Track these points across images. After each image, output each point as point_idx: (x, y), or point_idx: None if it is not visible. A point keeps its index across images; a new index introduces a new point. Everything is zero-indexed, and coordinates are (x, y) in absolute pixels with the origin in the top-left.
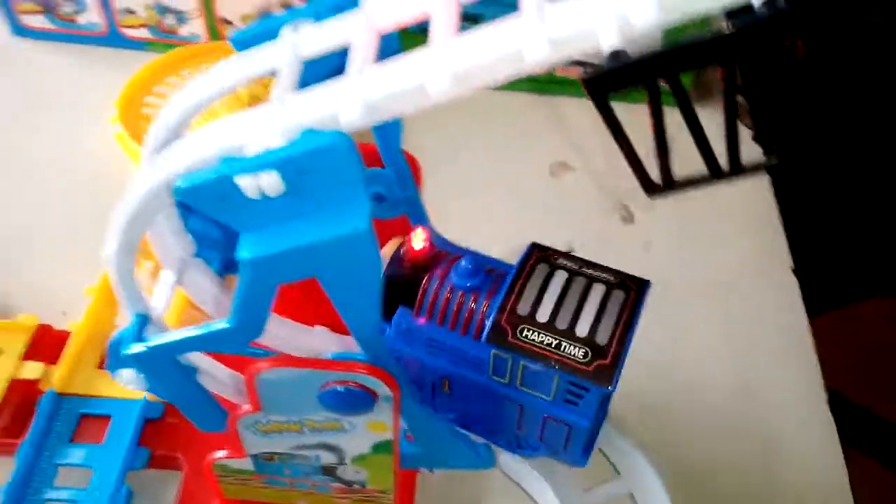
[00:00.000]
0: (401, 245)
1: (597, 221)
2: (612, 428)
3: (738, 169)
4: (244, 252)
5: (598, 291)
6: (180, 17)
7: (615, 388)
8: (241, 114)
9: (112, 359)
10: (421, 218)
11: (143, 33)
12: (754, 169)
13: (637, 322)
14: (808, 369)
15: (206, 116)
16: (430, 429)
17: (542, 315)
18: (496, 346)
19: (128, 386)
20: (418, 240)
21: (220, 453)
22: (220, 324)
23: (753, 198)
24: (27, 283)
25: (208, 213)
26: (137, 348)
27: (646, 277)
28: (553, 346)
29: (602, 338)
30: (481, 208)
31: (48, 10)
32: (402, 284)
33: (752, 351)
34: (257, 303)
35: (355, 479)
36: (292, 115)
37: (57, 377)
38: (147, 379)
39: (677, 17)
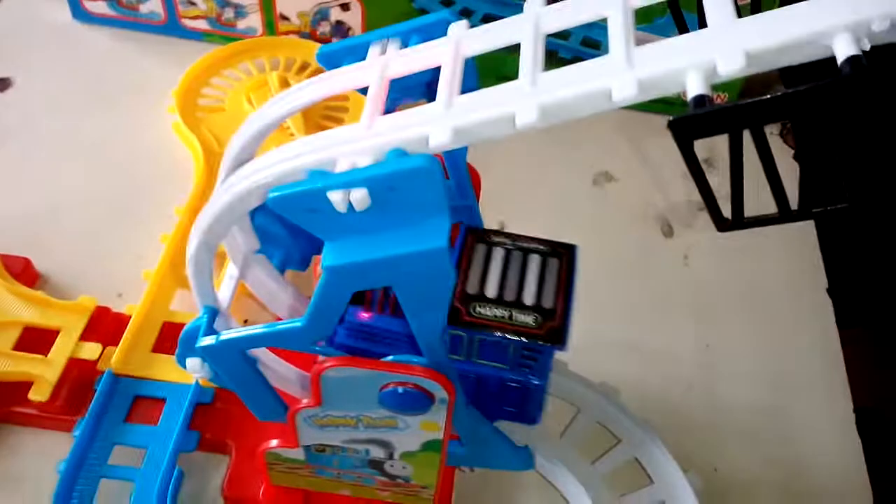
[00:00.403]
0: None
1: (637, 233)
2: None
3: (807, 212)
4: (328, 259)
5: (535, 261)
6: (239, 11)
7: (567, 346)
8: (331, 131)
9: (182, 349)
10: (477, 225)
11: (201, 24)
12: (823, 212)
13: (574, 282)
14: (840, 389)
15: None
16: (477, 430)
17: (491, 291)
18: (453, 326)
19: (195, 375)
20: None
21: (274, 442)
22: (292, 322)
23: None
24: (85, 265)
25: (296, 222)
26: (208, 341)
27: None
28: (506, 317)
29: (548, 302)
30: (523, 215)
31: None
32: None
33: (784, 368)
34: (332, 306)
35: (401, 474)
36: (382, 135)
37: (115, 358)
38: (214, 369)
39: (761, 68)
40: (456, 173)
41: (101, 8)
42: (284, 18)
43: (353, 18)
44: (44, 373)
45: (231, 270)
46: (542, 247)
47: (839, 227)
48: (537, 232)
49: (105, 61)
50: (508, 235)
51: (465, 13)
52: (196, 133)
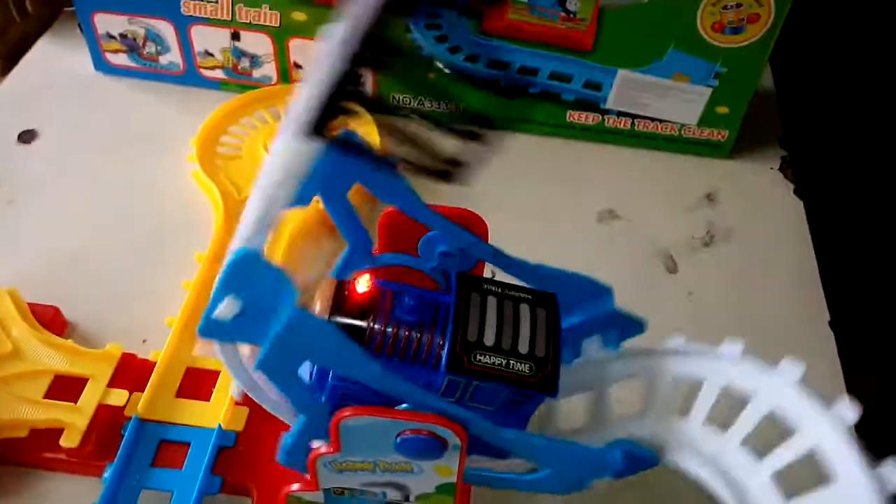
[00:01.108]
0: (341, 286)
1: (641, 269)
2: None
3: None
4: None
5: (525, 311)
6: (255, 60)
7: (557, 394)
8: None
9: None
10: (498, 260)
11: (218, 74)
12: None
13: (560, 331)
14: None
15: None
16: (551, 449)
17: (489, 339)
18: (456, 372)
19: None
20: (363, 284)
21: (295, 486)
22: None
23: (793, 252)
24: (111, 313)
25: None
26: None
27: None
28: (503, 365)
29: (540, 351)
30: (528, 251)
31: (132, 50)
32: (347, 326)
33: None
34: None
35: None
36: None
37: (141, 404)
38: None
39: None
40: (432, 222)
41: (123, 60)
42: (298, 67)
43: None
44: (74, 420)
45: None
46: (528, 296)
47: (841, 261)
48: None
49: (127, 111)
50: (497, 284)
51: (472, 60)
52: (215, 181)
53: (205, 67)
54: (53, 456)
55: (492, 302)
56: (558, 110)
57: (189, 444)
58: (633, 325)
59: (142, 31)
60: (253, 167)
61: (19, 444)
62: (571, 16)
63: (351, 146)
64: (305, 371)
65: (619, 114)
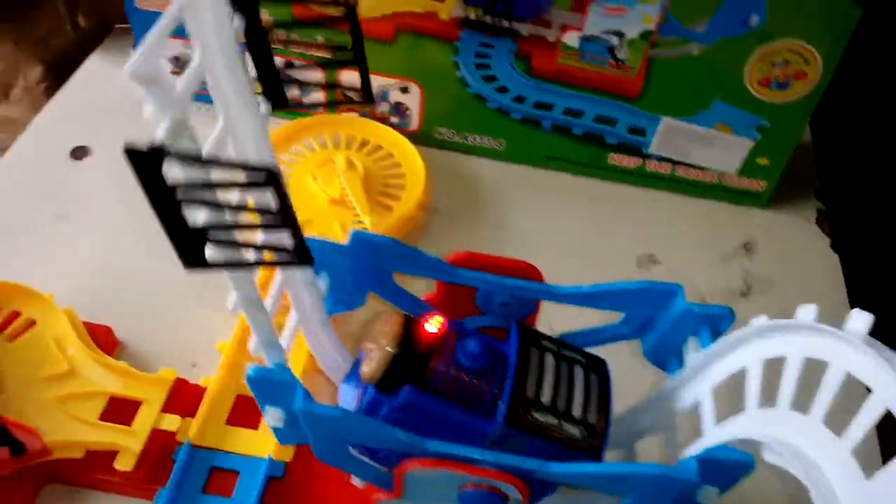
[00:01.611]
0: (411, 323)
1: None
2: None
3: None
4: None
5: (580, 375)
6: (305, 88)
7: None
8: None
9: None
10: (554, 295)
11: None
12: None
13: (611, 401)
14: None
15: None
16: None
17: (545, 397)
18: (513, 427)
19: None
20: (433, 325)
21: None
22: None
23: (829, 306)
24: (161, 335)
25: None
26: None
27: None
28: (557, 426)
29: (592, 418)
30: None
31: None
32: (412, 363)
33: None
34: None
35: None
36: None
37: (193, 430)
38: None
39: None
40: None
41: None
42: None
43: (412, 100)
44: (129, 443)
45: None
46: (582, 358)
47: (878, 317)
48: (589, 316)
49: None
50: (554, 342)
51: (519, 100)
52: None
53: (256, 92)
54: (107, 478)
55: (549, 361)
56: (600, 152)
57: (238, 473)
58: (720, 317)
59: None
60: (301, 196)
61: (74, 464)
62: (620, 63)
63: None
64: (350, 401)
65: (661, 159)
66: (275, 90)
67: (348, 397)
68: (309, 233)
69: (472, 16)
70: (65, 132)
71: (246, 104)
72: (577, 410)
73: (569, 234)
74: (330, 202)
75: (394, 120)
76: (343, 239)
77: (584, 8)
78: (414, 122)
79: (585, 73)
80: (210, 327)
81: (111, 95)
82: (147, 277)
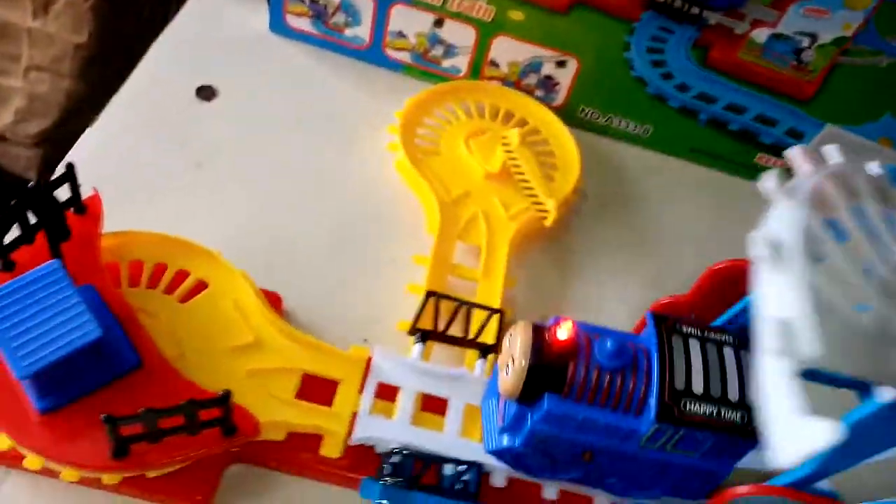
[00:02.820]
0: (541, 332)
1: None
2: None
3: None
4: None
5: (730, 355)
6: (451, 50)
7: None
8: None
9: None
10: None
11: (404, 56)
12: None
13: None
14: None
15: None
16: None
17: (697, 386)
18: (666, 422)
19: None
20: (564, 331)
21: None
22: None
23: None
24: (324, 304)
25: None
26: None
27: None
28: (714, 413)
29: (752, 398)
30: None
31: (318, 16)
32: (549, 371)
33: None
34: None
35: None
36: None
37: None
38: None
39: None
40: None
41: (305, 25)
42: (494, 64)
43: (565, 75)
44: (333, 426)
45: None
46: (728, 337)
47: None
48: None
49: (302, 79)
50: (695, 324)
51: (682, 88)
52: (424, 176)
53: (392, 48)
54: (307, 462)
55: (695, 346)
56: (750, 150)
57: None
58: None
59: (336, 0)
60: (452, 165)
61: (268, 446)
62: (802, 65)
63: None
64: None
65: None
66: None
67: (491, 415)
68: (468, 208)
69: None
70: (186, 68)
71: None
72: (733, 394)
73: (719, 233)
74: (486, 176)
75: (538, 93)
76: (505, 217)
77: (784, 6)
78: (559, 98)
79: (762, 71)
80: (375, 300)
81: (229, 32)
82: (296, 240)
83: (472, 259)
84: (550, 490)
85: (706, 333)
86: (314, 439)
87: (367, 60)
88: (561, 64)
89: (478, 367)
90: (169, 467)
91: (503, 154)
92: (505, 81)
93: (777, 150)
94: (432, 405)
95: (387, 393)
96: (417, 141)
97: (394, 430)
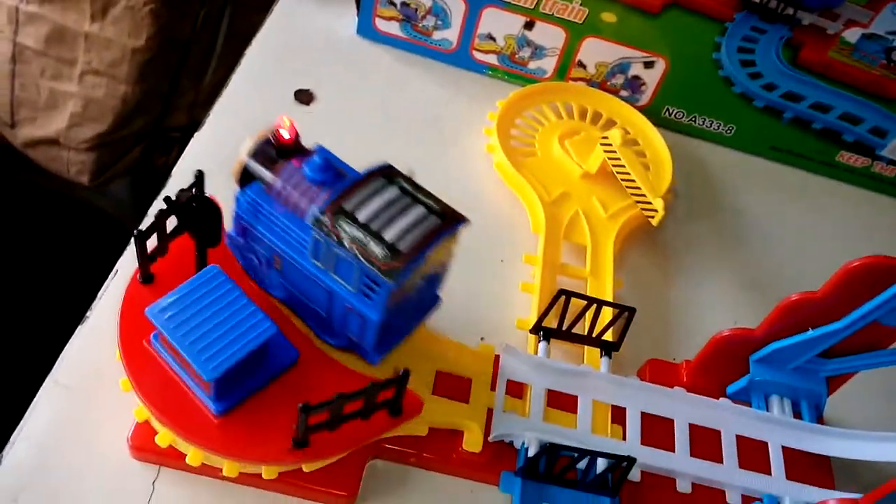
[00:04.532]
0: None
1: None
2: None
3: None
4: None
5: (416, 211)
6: (538, 51)
7: (399, 285)
8: None
9: None
10: None
11: (490, 59)
12: None
13: (439, 243)
14: None
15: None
16: None
17: (363, 215)
18: (318, 228)
19: None
20: (285, 130)
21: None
22: None
23: None
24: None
25: None
26: None
27: None
28: (360, 239)
29: (404, 246)
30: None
31: (407, 20)
32: (262, 163)
33: None
34: None
35: None
36: None
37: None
38: None
39: None
40: None
41: (392, 28)
42: (581, 65)
43: (652, 76)
44: (472, 423)
45: None
46: (435, 205)
47: None
48: None
49: (392, 82)
50: (414, 184)
51: (769, 87)
52: (524, 177)
53: (479, 50)
54: (448, 457)
55: (390, 190)
56: (832, 149)
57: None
58: None
59: (427, 3)
60: (550, 166)
61: (414, 442)
62: (892, 64)
63: None
64: None
65: (889, 162)
66: None
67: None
68: (569, 208)
69: None
70: (281, 74)
71: None
72: (390, 235)
73: (803, 229)
74: (582, 175)
75: (623, 93)
76: (604, 216)
77: (878, 6)
78: (645, 98)
79: (851, 70)
80: (490, 299)
81: (319, 36)
82: None
83: (574, 258)
84: (683, 483)
85: (419, 194)
86: (452, 435)
87: (452, 63)
88: (649, 65)
89: (603, 364)
90: (338, 456)
91: (602, 154)
92: (590, 82)
93: (859, 149)
94: (557, 401)
95: (514, 389)
96: (512, 142)
97: (530, 426)
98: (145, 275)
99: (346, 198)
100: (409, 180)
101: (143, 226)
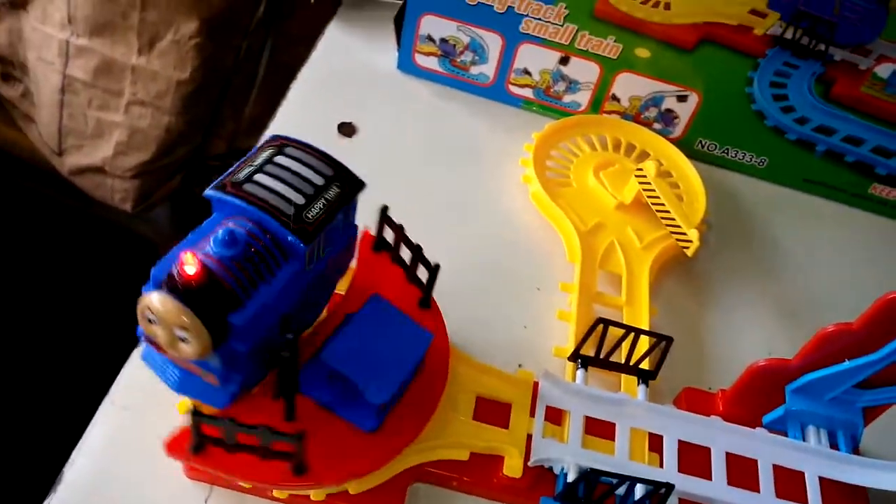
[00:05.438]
0: (171, 283)
1: None
2: None
3: None
4: None
5: (315, 179)
6: (573, 86)
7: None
8: None
9: None
10: None
11: (526, 92)
12: None
13: (342, 208)
14: None
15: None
16: None
17: (266, 181)
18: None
19: None
20: (190, 266)
21: None
22: None
23: None
24: (476, 329)
25: None
26: None
27: None
28: (266, 199)
29: (311, 214)
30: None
31: (446, 55)
32: (214, 305)
33: None
34: None
35: None
36: None
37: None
38: None
39: None
40: None
41: (432, 63)
42: (615, 99)
43: (685, 109)
44: (513, 447)
45: None
46: (330, 172)
47: None
48: None
49: (431, 115)
50: (308, 151)
51: (801, 121)
52: (561, 208)
53: (515, 84)
54: (489, 482)
55: (291, 164)
56: (864, 181)
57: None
58: None
59: (466, 40)
60: (585, 197)
61: (456, 466)
62: None
63: None
64: None
65: None
66: None
67: (189, 385)
68: (604, 238)
69: (789, 35)
70: (325, 107)
71: None
72: (298, 198)
73: (837, 260)
74: (617, 206)
75: (656, 126)
76: (639, 246)
77: None
78: (677, 131)
79: (884, 105)
80: (533, 327)
81: (361, 71)
82: (455, 271)
83: (610, 288)
84: None
85: (324, 164)
86: (492, 460)
87: (488, 97)
88: (682, 98)
89: (640, 392)
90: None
91: (636, 185)
92: (624, 115)
93: (892, 181)
94: (594, 428)
95: (553, 416)
96: (548, 174)
97: (570, 452)
98: None
99: (296, 147)
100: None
101: None
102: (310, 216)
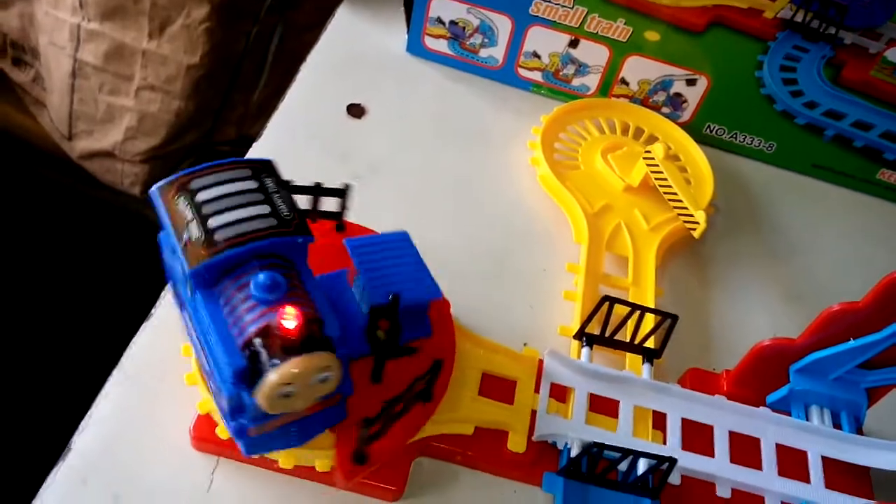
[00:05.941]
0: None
1: None
2: None
3: None
4: None
5: (259, 209)
6: (582, 69)
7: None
8: None
9: None
10: None
11: (535, 76)
12: None
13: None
14: None
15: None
16: None
17: (202, 196)
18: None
19: None
20: (291, 320)
21: None
22: None
23: None
24: (484, 309)
25: None
26: None
27: None
28: (187, 218)
29: (220, 236)
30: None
31: (456, 38)
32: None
33: None
34: None
35: None
36: None
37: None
38: None
39: None
40: None
41: (440, 46)
42: (623, 82)
43: (694, 93)
44: (516, 423)
45: None
46: (287, 212)
47: None
48: None
49: (440, 97)
50: (282, 188)
51: (810, 105)
52: (568, 189)
53: (524, 67)
54: (493, 457)
55: (247, 184)
56: (872, 167)
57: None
58: None
59: (475, 22)
60: (592, 179)
61: (461, 441)
62: None
63: None
64: None
65: None
66: None
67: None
68: (611, 220)
69: (800, 18)
70: (334, 88)
71: None
72: (215, 222)
73: (843, 244)
74: (624, 189)
75: (665, 110)
76: (646, 228)
77: None
78: (686, 115)
79: (894, 89)
80: (539, 307)
81: (371, 53)
82: (463, 251)
83: (617, 269)
84: (723, 489)
85: (278, 198)
86: (497, 436)
87: (497, 79)
88: (691, 82)
89: (644, 370)
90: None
91: (644, 168)
92: (632, 98)
93: None
94: (599, 406)
95: (558, 393)
96: (556, 156)
97: (573, 428)
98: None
99: (198, 177)
100: (282, 182)
101: None
102: (287, 213)
